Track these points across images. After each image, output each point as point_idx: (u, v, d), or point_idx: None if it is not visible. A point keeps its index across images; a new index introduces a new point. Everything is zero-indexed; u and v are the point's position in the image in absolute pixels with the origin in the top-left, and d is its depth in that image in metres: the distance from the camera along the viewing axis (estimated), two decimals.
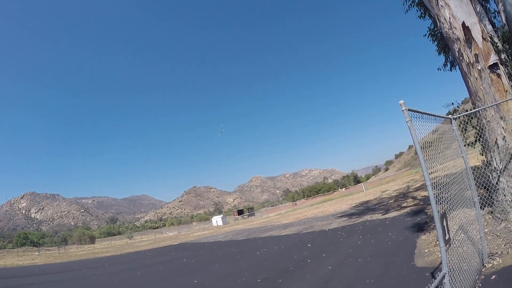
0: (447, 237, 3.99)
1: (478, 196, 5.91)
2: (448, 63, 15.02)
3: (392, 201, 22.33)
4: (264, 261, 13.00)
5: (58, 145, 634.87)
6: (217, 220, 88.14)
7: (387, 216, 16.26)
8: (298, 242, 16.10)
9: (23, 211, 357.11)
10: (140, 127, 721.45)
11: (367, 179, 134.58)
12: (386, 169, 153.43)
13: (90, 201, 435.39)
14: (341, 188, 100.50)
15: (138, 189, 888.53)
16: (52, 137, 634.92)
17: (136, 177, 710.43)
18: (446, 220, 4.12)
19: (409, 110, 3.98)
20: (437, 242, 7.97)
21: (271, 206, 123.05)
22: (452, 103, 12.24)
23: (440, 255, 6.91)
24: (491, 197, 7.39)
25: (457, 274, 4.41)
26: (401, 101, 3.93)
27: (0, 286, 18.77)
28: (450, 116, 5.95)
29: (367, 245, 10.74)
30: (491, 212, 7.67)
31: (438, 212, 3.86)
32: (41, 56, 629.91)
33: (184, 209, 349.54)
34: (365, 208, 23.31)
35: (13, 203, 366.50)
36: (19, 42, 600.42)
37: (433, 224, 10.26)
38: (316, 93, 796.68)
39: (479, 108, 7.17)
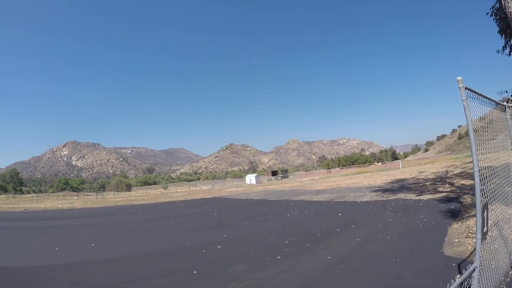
0: (485, 230, 3.87)
1: None
2: (507, 47, 14.17)
3: (428, 183, 21.82)
4: (294, 224, 13.33)
5: (101, 95, 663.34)
6: (250, 178, 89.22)
7: (421, 197, 16.03)
8: (329, 210, 16.27)
9: (65, 159, 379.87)
10: (184, 84, 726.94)
11: (405, 157, 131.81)
12: (426, 150, 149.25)
13: (129, 151, 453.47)
14: (377, 162, 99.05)
15: (176, 142, 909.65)
16: (96, 87, 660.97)
17: (174, 131, 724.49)
18: (487, 211, 3.96)
19: (466, 88, 3.78)
20: (469, 234, 7.94)
21: (305, 171, 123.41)
22: (506, 91, 11.69)
23: (470, 248, 6.90)
24: None
25: (485, 270, 4.23)
26: (459, 78, 3.72)
27: (40, 226, 20.08)
28: (505, 103, 5.68)
29: (397, 223, 10.73)
30: None
31: (481, 202, 3.75)
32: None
33: (220, 165, 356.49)
34: (400, 186, 23.03)
35: (56, 151, 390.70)
36: None
37: (467, 215, 10.06)
38: (365, 61, 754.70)
39: None
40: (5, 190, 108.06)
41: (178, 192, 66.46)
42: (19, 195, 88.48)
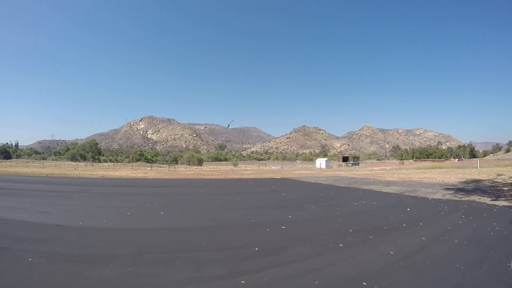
0: None
1: None
2: None
3: (506, 188, 20.44)
4: (360, 213, 13.33)
5: (179, 71, 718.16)
6: (321, 162, 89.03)
7: (496, 203, 15.16)
8: (397, 203, 16.04)
9: (141, 132, 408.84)
10: (259, 64, 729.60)
11: (484, 155, 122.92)
12: (507, 151, 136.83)
13: (202, 128, 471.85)
14: (454, 158, 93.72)
15: (249, 121, 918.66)
16: (175, 65, 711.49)
17: (248, 110, 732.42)
18: None
19: None
20: None
21: (377, 160, 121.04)
22: None
23: None
24: None
25: None
26: None
27: (114, 192, 21.95)
28: None
29: (467, 227, 10.32)
30: None
31: None
32: None
33: (290, 146, 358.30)
34: (475, 187, 21.80)
35: (133, 125, 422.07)
36: None
37: None
38: (445, 49, 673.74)
39: None
40: (84, 158, 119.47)
41: (248, 170, 68.13)
42: (97, 163, 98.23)
